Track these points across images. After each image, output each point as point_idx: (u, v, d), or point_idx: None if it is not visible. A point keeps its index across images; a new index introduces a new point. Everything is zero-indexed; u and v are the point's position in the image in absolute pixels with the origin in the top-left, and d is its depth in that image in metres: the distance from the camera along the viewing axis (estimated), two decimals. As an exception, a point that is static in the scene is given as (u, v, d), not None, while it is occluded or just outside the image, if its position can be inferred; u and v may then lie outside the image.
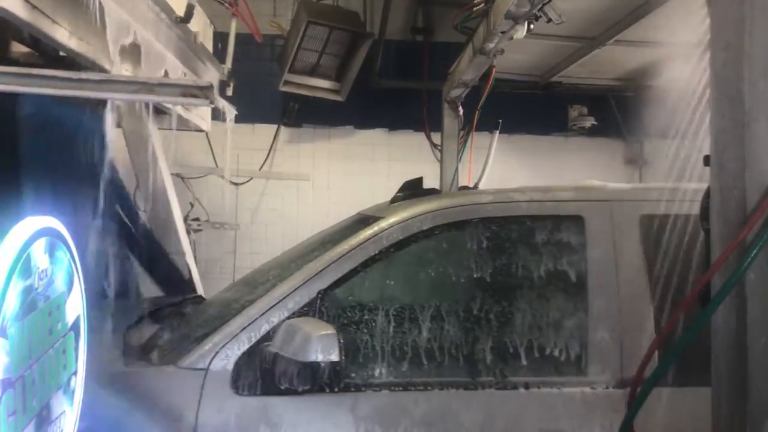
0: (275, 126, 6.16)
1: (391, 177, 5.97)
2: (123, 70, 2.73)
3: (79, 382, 1.70)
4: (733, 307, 1.34)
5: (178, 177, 5.16)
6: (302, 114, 6.10)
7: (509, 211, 2.75)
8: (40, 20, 2.22)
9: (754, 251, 1.30)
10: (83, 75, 2.07)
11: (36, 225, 1.46)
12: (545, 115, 6.10)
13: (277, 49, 5.96)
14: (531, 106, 5.94)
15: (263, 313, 2.47)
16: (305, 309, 2.48)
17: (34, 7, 2.17)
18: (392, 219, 2.68)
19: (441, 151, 5.52)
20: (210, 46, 4.47)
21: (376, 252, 2.59)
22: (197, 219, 5.53)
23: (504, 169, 5.40)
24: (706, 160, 1.46)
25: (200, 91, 2.02)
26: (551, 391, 2.50)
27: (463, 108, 5.24)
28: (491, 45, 3.69)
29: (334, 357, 2.29)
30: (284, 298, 2.50)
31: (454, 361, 2.50)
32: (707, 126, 1.47)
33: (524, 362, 2.50)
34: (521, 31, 3.39)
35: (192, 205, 5.54)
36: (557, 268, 2.61)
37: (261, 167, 6.12)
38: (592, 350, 2.52)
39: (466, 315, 2.56)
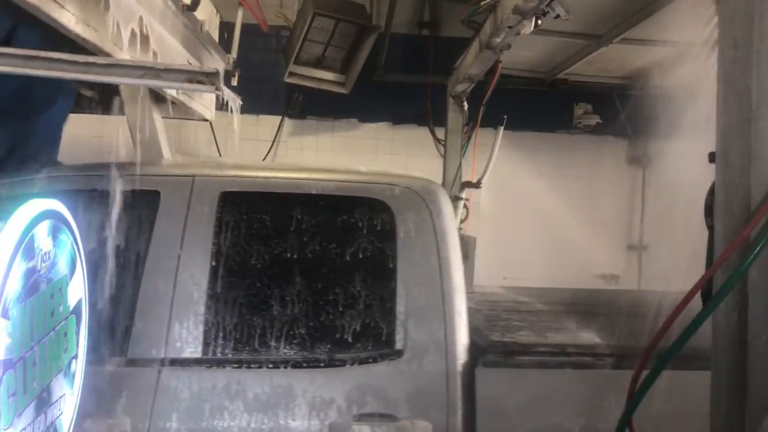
0: (279, 117, 6.15)
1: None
2: (129, 56, 2.72)
3: (79, 366, 1.71)
4: (735, 303, 1.34)
5: (182, 166, 5.14)
6: (306, 106, 6.09)
7: (96, 185, 2.52)
8: (47, 4, 2.22)
9: (758, 248, 1.29)
10: (90, 59, 2.07)
11: (40, 207, 1.46)
12: (550, 112, 6.09)
13: (283, 40, 5.95)
14: (536, 103, 5.93)
15: None
16: None
17: (41, -10, 2.17)
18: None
19: (444, 146, 5.52)
20: (216, 36, 4.46)
21: None
22: (200, 208, 5.52)
23: (508, 166, 5.40)
24: (712, 157, 1.46)
25: (206, 78, 2.02)
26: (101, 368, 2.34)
27: (467, 103, 5.23)
28: (498, 40, 3.69)
29: None
30: None
31: None
32: (712, 125, 1.47)
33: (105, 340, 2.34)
34: (529, 27, 3.39)
35: (194, 195, 5.53)
36: (124, 245, 2.44)
37: (264, 158, 6.11)
38: (138, 330, 2.41)
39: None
